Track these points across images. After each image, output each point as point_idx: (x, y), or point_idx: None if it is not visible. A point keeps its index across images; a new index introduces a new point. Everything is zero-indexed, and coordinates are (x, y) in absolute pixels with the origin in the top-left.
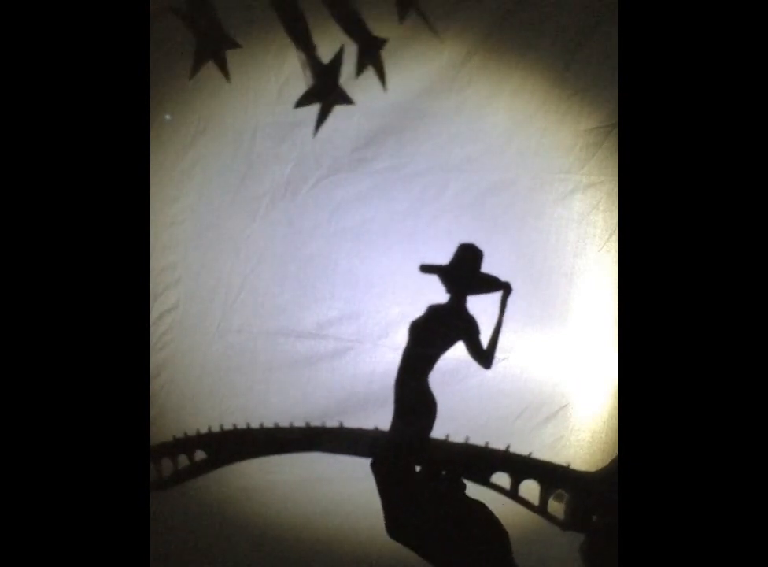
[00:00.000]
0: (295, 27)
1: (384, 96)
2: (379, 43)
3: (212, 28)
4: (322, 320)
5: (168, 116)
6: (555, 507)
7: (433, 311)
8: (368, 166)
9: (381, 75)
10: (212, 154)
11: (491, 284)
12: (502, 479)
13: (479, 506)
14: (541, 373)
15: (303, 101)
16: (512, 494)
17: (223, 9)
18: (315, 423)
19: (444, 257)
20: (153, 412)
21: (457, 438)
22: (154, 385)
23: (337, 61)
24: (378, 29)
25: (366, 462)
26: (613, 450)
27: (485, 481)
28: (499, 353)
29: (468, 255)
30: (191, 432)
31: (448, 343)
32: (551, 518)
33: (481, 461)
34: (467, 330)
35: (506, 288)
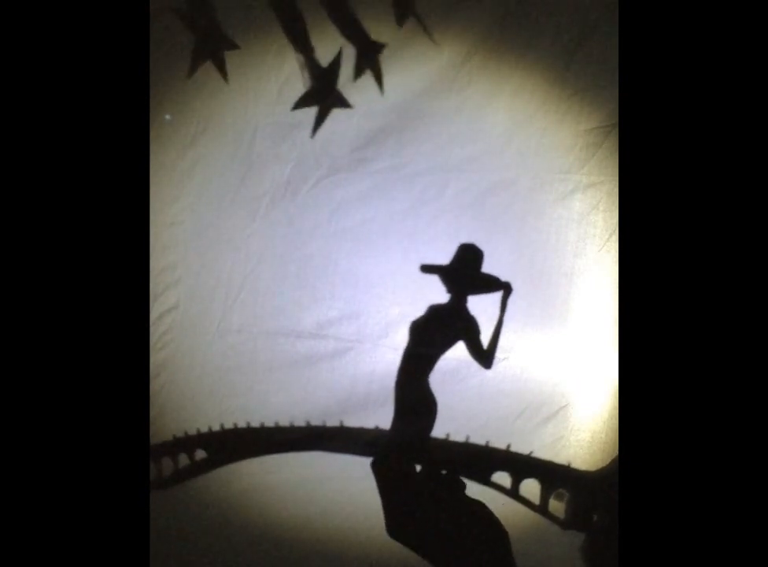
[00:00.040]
0: (294, 28)
1: (382, 99)
2: (378, 47)
3: (211, 28)
4: (322, 320)
5: (168, 116)
6: (556, 506)
7: (434, 311)
8: (368, 166)
9: (378, 79)
10: (212, 154)
11: (491, 284)
12: (503, 478)
13: (479, 506)
14: (541, 373)
15: (301, 104)
16: (513, 493)
17: (222, 9)
18: (316, 422)
19: (444, 257)
20: (153, 411)
21: (458, 437)
22: (154, 385)
23: (335, 64)
24: (376, 31)
25: (366, 462)
26: (613, 450)
27: (485, 480)
28: (499, 353)
29: (468, 255)
30: (192, 431)
31: (448, 343)
32: (551, 517)
33: (482, 460)
34: (468, 330)
35: (506, 288)
